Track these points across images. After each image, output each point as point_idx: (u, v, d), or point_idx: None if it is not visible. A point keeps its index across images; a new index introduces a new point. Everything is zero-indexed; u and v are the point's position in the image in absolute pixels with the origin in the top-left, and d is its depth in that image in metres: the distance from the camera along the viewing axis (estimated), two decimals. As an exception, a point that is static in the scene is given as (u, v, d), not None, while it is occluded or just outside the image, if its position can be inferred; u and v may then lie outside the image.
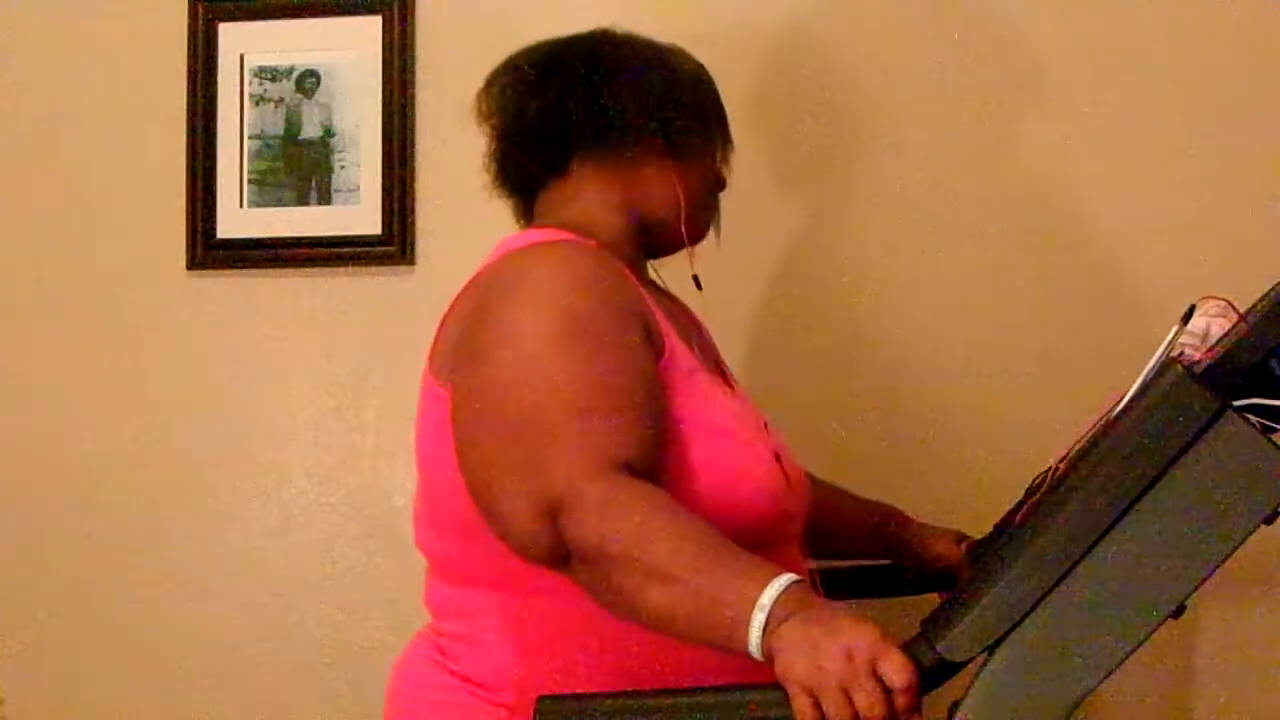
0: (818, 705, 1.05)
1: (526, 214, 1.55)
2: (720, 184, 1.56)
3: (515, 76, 1.51)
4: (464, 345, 1.32)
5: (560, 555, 1.20)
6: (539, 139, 1.48)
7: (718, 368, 1.53)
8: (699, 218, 1.52)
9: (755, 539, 1.30)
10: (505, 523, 1.23)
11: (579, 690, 1.28)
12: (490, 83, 1.53)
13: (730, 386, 1.50)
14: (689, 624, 1.13)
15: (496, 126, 1.52)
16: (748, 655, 1.10)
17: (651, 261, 1.55)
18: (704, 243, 1.56)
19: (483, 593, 1.36)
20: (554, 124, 1.47)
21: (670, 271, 1.57)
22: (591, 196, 1.47)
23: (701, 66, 1.57)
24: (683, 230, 1.50)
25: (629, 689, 1.27)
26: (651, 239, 1.51)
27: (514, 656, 1.34)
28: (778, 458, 1.39)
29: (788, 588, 1.09)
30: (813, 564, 1.50)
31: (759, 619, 1.08)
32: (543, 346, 1.25)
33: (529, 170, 1.51)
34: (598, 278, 1.32)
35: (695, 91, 1.52)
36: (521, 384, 1.25)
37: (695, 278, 1.57)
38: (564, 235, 1.41)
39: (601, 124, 1.45)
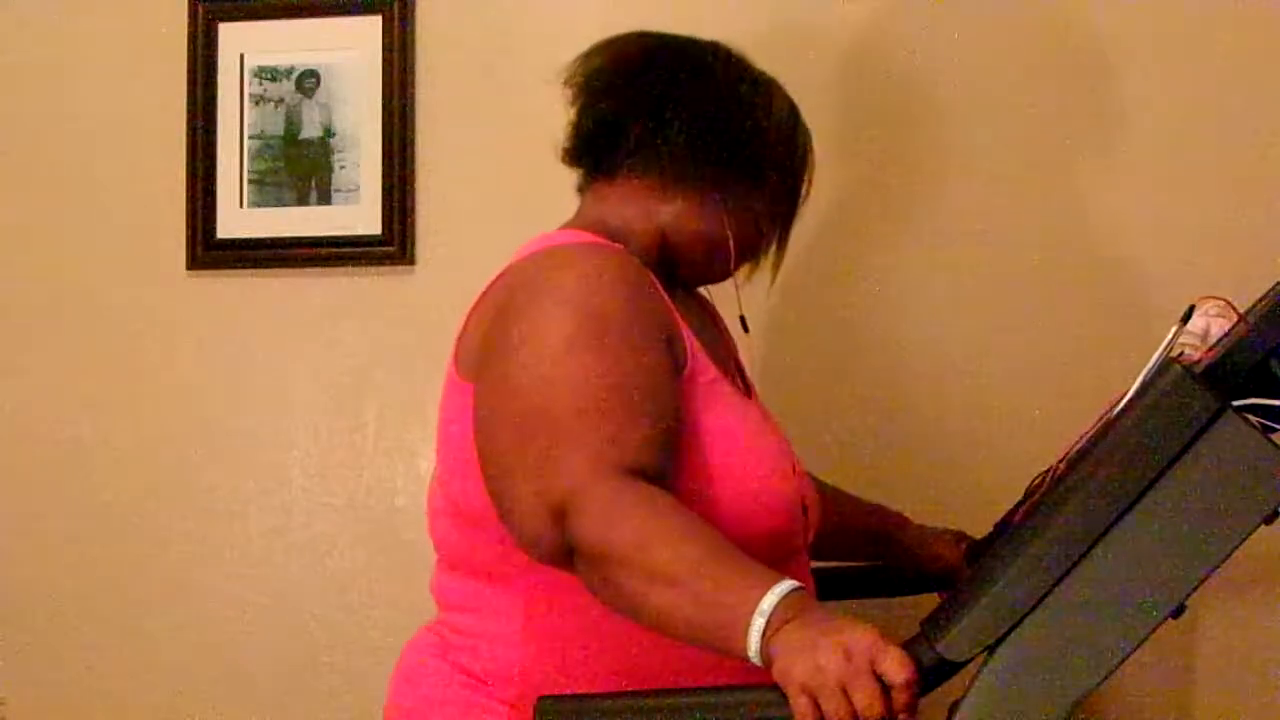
0: (817, 705, 1.05)
1: (582, 190, 1.53)
2: (765, 234, 1.53)
3: (600, 67, 1.49)
4: (488, 343, 1.33)
5: (566, 555, 1.21)
6: (595, 143, 1.48)
7: (739, 376, 1.54)
8: (727, 261, 1.50)
9: (770, 548, 1.32)
10: (515, 521, 1.24)
11: (581, 688, 1.28)
12: (589, 54, 1.50)
13: (749, 395, 1.50)
14: (688, 626, 1.14)
15: (571, 105, 1.51)
16: (745, 659, 1.10)
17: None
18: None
19: (491, 586, 1.37)
20: (612, 136, 1.47)
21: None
22: (631, 208, 1.47)
23: (792, 112, 1.52)
24: (710, 269, 1.50)
25: (629, 689, 1.27)
26: (673, 266, 1.49)
27: (519, 652, 1.34)
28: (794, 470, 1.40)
29: (788, 594, 1.09)
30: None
31: (758, 624, 1.08)
32: (562, 347, 1.26)
33: (582, 161, 1.51)
34: (622, 282, 1.32)
35: (767, 143, 1.48)
36: (539, 384, 1.25)
37: (742, 319, 1.58)
38: (593, 239, 1.42)
39: (653, 154, 1.45)
